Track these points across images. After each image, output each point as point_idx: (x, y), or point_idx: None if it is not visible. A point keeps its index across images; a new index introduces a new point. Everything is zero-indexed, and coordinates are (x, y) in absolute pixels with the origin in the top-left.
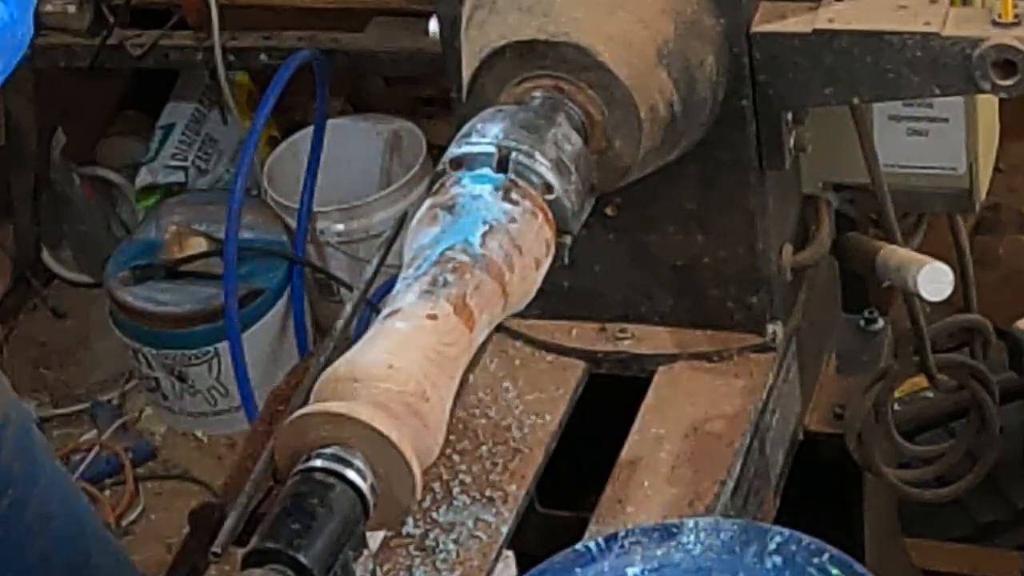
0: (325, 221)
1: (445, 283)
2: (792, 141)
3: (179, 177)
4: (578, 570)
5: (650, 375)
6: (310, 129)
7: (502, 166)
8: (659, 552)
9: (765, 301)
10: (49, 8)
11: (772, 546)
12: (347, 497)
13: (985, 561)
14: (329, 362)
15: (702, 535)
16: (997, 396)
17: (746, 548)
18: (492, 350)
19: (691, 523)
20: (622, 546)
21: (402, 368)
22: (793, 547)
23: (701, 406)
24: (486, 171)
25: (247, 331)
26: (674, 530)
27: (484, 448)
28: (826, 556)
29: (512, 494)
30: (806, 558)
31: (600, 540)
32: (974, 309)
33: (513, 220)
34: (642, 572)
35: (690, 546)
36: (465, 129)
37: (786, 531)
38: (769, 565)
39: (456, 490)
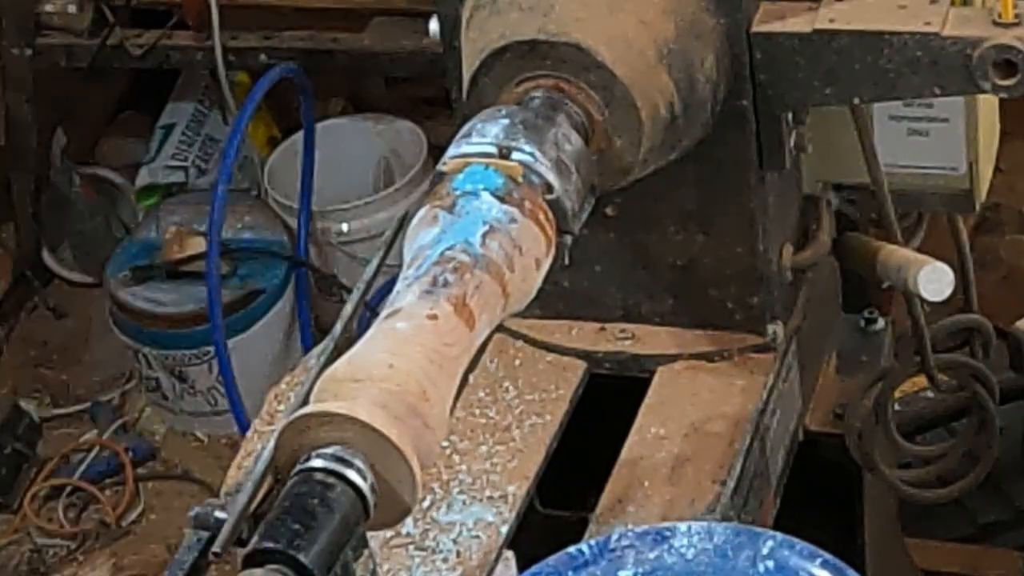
0: (326, 221)
1: (445, 283)
2: (792, 141)
3: (179, 177)
4: (571, 573)
5: (650, 375)
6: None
7: None
8: (652, 556)
9: (765, 301)
10: (49, 8)
11: (765, 550)
12: (347, 497)
13: (985, 561)
14: (329, 362)
15: (695, 539)
16: (997, 396)
17: (739, 552)
18: (492, 350)
19: (684, 527)
20: (614, 550)
21: (402, 368)
22: (786, 551)
23: (701, 406)
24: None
25: (247, 331)
26: (667, 534)
27: (484, 448)
28: (819, 561)
29: (512, 494)
30: (799, 562)
31: (593, 543)
32: (974, 309)
33: (513, 220)
34: (634, 575)
35: (683, 550)
36: (465, 129)
37: (779, 535)
38: (762, 569)
39: (456, 490)
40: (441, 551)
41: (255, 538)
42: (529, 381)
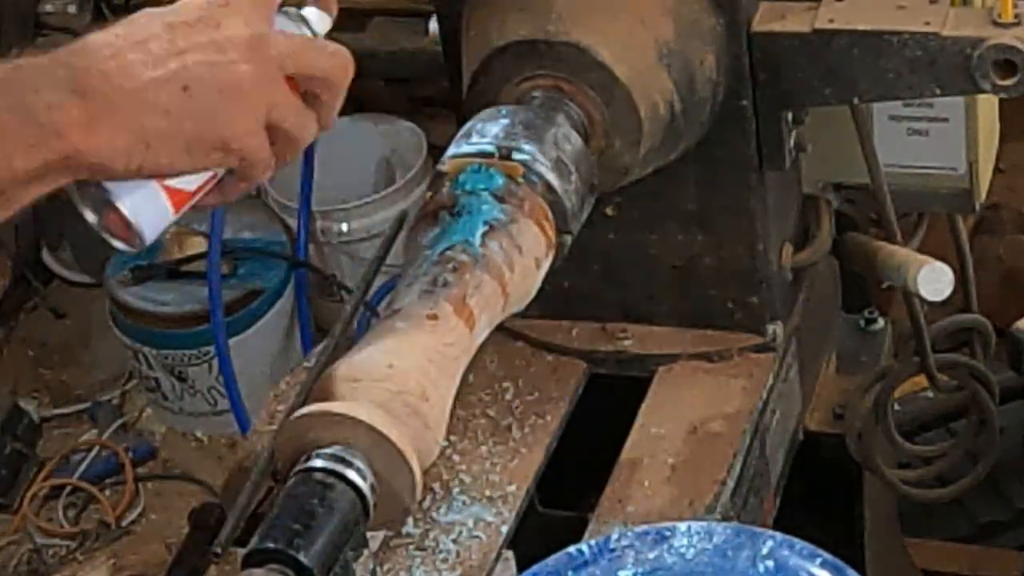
0: (326, 221)
1: (445, 283)
2: (792, 141)
3: None
4: (570, 573)
5: (650, 375)
6: None
7: None
8: (651, 556)
9: (765, 301)
10: (49, 8)
11: (764, 550)
12: (347, 497)
13: (985, 561)
14: (329, 362)
15: (695, 539)
16: (997, 396)
17: (739, 552)
18: (492, 350)
19: (684, 527)
20: (614, 549)
21: (402, 368)
22: (786, 551)
23: (701, 406)
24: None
25: (247, 331)
26: (667, 534)
27: (484, 448)
28: (819, 560)
29: (512, 494)
30: (799, 562)
31: (593, 543)
32: (974, 309)
33: (513, 220)
34: (634, 575)
35: (683, 550)
36: (465, 129)
37: (779, 535)
38: (762, 569)
39: (456, 490)
40: (441, 551)
41: (255, 538)
42: (529, 381)
